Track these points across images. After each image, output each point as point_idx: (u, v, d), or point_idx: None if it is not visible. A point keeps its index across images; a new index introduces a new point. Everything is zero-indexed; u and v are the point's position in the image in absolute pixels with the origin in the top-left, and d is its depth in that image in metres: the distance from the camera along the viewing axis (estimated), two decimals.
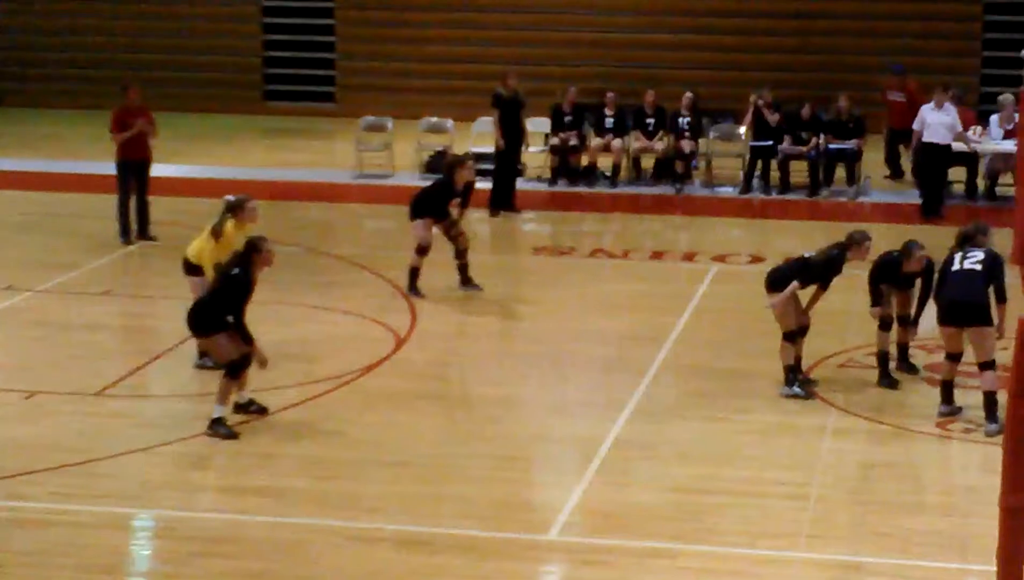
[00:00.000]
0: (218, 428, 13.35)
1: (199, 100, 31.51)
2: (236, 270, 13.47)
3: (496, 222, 22.68)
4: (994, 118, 23.91)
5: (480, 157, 24.86)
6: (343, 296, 18.00)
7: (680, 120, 24.90)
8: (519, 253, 21.44)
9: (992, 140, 23.54)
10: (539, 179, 25.12)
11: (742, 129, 25.19)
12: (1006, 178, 23.45)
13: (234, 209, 14.88)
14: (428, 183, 19.01)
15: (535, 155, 25.17)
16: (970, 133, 23.41)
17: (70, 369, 15.23)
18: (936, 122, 22.38)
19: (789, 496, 12.21)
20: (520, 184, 23.65)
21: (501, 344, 16.84)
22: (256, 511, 11.79)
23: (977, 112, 26.15)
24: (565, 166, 24.93)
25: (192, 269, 14.92)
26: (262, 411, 13.93)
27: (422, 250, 17.79)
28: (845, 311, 16.82)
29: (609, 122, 25.06)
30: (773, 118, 24.25)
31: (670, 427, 13.72)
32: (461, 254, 18.07)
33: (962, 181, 23.90)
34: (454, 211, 17.95)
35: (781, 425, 13.75)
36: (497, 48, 30.62)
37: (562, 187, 24.69)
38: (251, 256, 13.48)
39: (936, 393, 14.18)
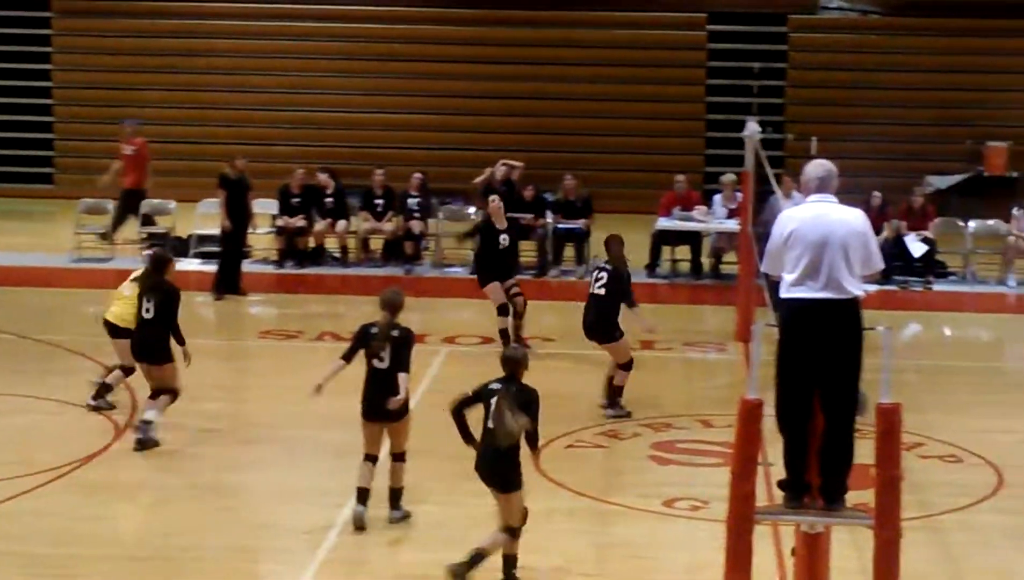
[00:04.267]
0: None
1: None
2: None
3: (221, 305, 22.21)
4: (717, 197, 24.33)
5: (205, 239, 24.56)
6: (60, 385, 17.31)
7: (409, 201, 24.80)
8: (245, 337, 21.04)
9: (716, 219, 23.92)
10: (266, 261, 24.77)
11: (471, 209, 25.20)
12: (729, 257, 23.82)
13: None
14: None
15: (262, 237, 24.81)
16: (695, 212, 23.79)
17: None
18: None
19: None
20: (246, 266, 23.26)
21: (228, 432, 16.40)
22: None
23: (702, 191, 26.61)
24: (292, 248, 24.62)
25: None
26: None
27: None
28: (572, 394, 16.83)
29: (330, 202, 24.78)
30: (528, 194, 24.40)
31: None
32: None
33: (687, 259, 24.23)
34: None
35: None
36: (222, 128, 30.19)
37: (289, 269, 24.35)
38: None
39: (663, 471, 14.20)
